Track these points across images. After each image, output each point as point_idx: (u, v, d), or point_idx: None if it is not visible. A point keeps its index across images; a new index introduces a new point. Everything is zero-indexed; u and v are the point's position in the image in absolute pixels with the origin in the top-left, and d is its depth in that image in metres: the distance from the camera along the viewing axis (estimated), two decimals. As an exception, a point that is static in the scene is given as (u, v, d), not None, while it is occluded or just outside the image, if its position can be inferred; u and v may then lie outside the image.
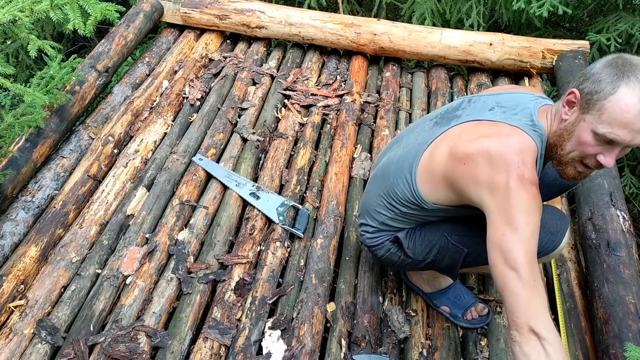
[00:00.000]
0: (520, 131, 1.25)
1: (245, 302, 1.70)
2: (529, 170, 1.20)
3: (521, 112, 1.30)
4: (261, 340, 1.61)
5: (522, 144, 1.23)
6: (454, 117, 1.40)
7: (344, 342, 1.63)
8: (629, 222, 1.90)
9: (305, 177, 2.20)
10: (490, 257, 1.22)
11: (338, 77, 2.79)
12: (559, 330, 1.62)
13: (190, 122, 2.42)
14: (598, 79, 1.17)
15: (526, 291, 1.15)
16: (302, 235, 1.92)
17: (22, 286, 1.69)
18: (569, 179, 1.30)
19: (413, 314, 1.73)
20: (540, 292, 1.17)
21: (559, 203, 2.09)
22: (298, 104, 2.57)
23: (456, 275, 1.62)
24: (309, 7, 3.24)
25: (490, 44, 2.73)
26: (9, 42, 1.73)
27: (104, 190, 2.02)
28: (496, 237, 1.20)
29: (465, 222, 1.46)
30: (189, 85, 2.60)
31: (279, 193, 2.12)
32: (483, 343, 1.67)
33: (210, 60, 2.85)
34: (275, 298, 1.72)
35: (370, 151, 2.37)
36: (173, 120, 2.42)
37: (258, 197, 2.04)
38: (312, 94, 2.62)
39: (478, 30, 3.03)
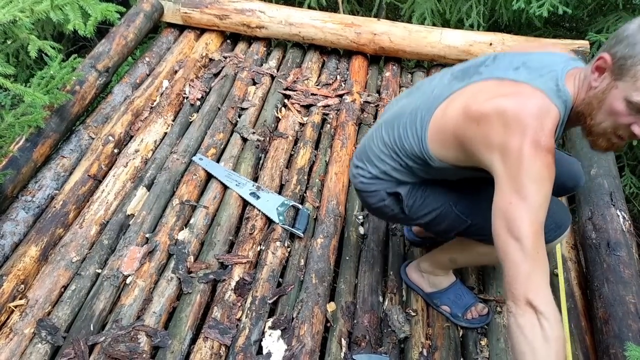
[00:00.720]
0: (542, 94, 1.15)
1: (245, 302, 1.70)
2: (546, 137, 1.11)
3: (547, 75, 1.20)
4: (261, 340, 1.61)
5: (542, 108, 1.13)
6: (475, 73, 1.30)
7: (344, 342, 1.63)
8: (629, 222, 1.90)
9: (305, 177, 2.20)
10: (494, 225, 1.15)
11: (338, 77, 2.79)
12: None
13: (191, 122, 2.42)
14: (633, 42, 1.07)
15: (527, 263, 1.09)
16: (302, 235, 1.92)
17: (23, 286, 1.69)
18: (602, 150, 1.22)
19: (413, 314, 1.73)
20: (543, 266, 1.11)
21: (559, 203, 2.09)
22: (298, 103, 2.57)
23: (438, 237, 1.57)
24: (309, 7, 3.24)
25: (490, 44, 2.73)
26: (9, 42, 1.73)
27: (104, 190, 2.02)
28: (502, 205, 1.13)
29: (473, 193, 1.41)
30: (189, 85, 2.60)
31: (279, 193, 2.12)
32: (483, 343, 1.68)
33: (211, 60, 2.85)
34: (275, 298, 1.72)
35: (370, 151, 2.37)
36: (173, 120, 2.42)
37: (258, 197, 2.04)
38: (312, 94, 2.63)
39: (478, 30, 3.03)
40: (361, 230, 2.00)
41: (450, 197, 1.43)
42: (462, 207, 1.42)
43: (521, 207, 1.10)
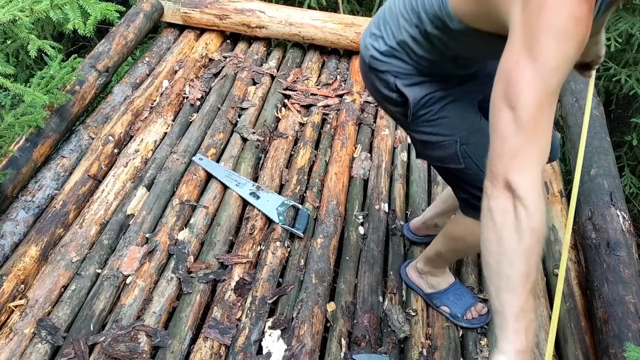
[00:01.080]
0: None
1: (245, 302, 1.70)
2: None
3: None
4: (261, 340, 1.61)
5: None
6: None
7: (344, 342, 1.63)
8: (629, 221, 1.90)
9: (305, 177, 2.20)
10: (492, 90, 0.95)
11: (338, 76, 2.79)
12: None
13: (191, 122, 2.42)
14: None
15: (519, 138, 0.87)
16: (302, 235, 1.92)
17: (23, 286, 1.69)
18: None
19: (413, 314, 1.73)
20: (538, 145, 0.88)
21: (559, 203, 2.09)
22: (298, 103, 2.57)
23: (418, 156, 1.47)
24: (309, 7, 3.24)
25: (490, 44, 2.72)
26: (9, 42, 1.73)
27: (104, 190, 2.02)
28: (507, 65, 0.90)
29: (486, 144, 1.31)
30: (189, 85, 2.60)
31: (279, 193, 2.12)
32: (483, 343, 1.68)
33: (211, 60, 2.85)
34: (275, 298, 1.72)
35: (370, 151, 2.37)
36: (173, 120, 2.42)
37: (258, 197, 2.04)
38: (312, 94, 2.63)
39: (478, 30, 3.02)
40: (361, 230, 2.00)
41: (462, 136, 1.30)
42: (466, 149, 1.30)
43: (528, 68, 0.86)
